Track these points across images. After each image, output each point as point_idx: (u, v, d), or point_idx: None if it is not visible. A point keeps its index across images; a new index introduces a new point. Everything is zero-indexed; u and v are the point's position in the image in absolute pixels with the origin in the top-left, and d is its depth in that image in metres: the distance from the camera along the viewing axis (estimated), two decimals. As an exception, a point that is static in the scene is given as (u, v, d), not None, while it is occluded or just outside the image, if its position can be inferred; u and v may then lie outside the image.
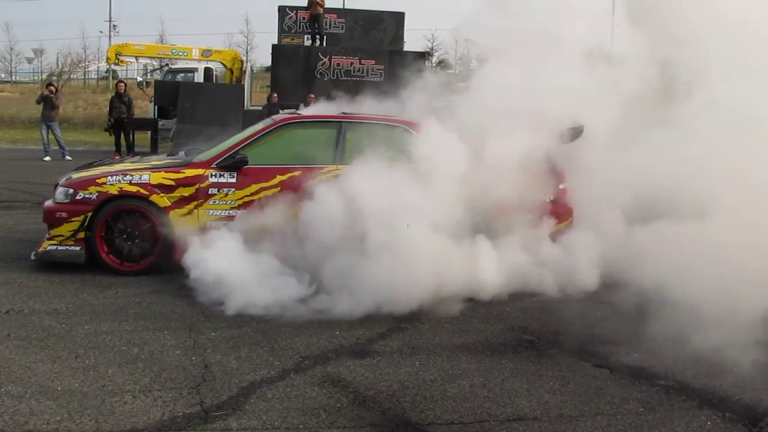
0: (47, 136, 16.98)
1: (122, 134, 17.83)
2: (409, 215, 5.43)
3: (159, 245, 6.22)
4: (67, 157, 16.63)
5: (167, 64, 25.54)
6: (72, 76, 51.43)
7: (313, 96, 15.95)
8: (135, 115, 18.72)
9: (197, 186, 6.28)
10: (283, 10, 21.28)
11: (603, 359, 4.61)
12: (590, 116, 6.42)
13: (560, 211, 6.60)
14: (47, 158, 16.52)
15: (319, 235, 5.61)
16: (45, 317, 5.04)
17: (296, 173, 6.37)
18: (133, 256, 6.24)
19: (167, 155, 7.66)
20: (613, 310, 5.54)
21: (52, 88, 17.51)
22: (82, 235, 6.20)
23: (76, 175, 6.57)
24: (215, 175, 6.32)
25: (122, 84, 18.63)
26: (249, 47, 58.22)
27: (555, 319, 5.37)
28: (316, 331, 4.92)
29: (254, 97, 24.05)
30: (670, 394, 4.11)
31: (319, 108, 9.41)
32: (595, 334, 5.07)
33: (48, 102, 16.90)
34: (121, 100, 17.68)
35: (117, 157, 13.73)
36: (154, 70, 27.41)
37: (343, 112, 7.11)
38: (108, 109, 18.39)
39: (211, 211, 6.27)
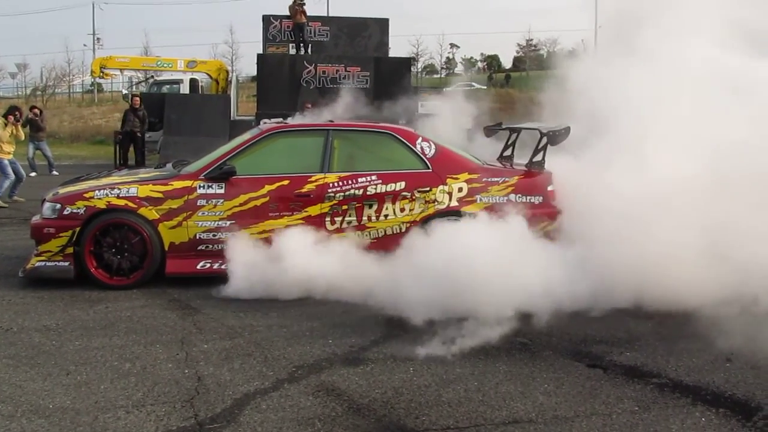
0: (33, 153, 16.87)
1: (131, 147, 17.68)
2: None
3: (148, 259, 6.19)
4: (54, 172, 16.55)
5: (152, 76, 25.53)
6: (56, 90, 51.24)
7: (309, 105, 15.83)
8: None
9: (185, 198, 6.26)
10: (267, 20, 21.29)
11: (596, 359, 4.62)
12: None
13: (549, 213, 6.63)
14: (33, 174, 16.42)
15: None
16: (34, 334, 4.99)
17: (285, 182, 6.36)
18: (122, 270, 6.21)
19: (155, 168, 7.64)
20: (605, 310, 5.55)
21: (36, 110, 17.29)
22: (70, 250, 6.16)
23: (63, 190, 6.53)
24: (203, 187, 6.30)
25: (137, 98, 18.22)
26: (234, 57, 58.28)
27: (547, 320, 5.37)
28: (309, 341, 4.90)
29: (240, 106, 24.03)
30: (664, 391, 4.12)
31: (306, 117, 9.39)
32: (588, 334, 5.08)
33: (34, 124, 16.72)
34: (135, 114, 17.53)
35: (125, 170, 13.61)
36: (140, 82, 27.39)
37: (329, 120, 7.11)
38: (120, 122, 18.24)
39: (200, 223, 6.24)
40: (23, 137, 12.93)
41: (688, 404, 3.96)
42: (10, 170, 12.12)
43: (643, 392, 4.11)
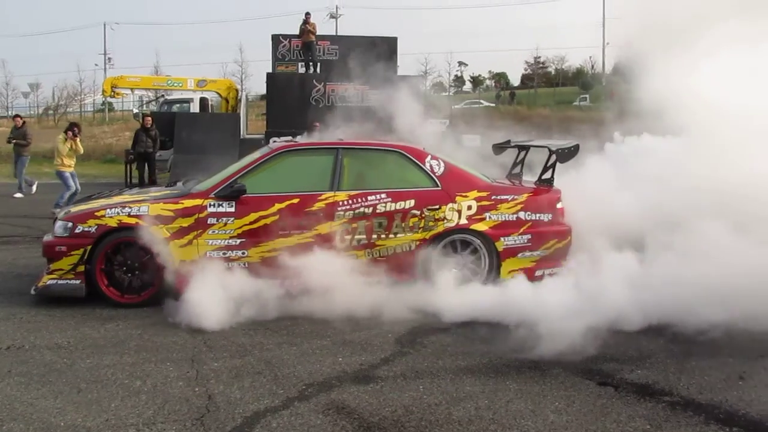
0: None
1: (146, 167, 17.36)
2: None
3: (159, 277, 6.21)
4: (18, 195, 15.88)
5: (163, 95, 25.70)
6: (68, 109, 51.73)
7: (317, 123, 15.84)
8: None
9: (196, 216, 6.28)
10: (276, 39, 21.46)
11: (607, 377, 4.60)
12: None
13: (559, 231, 6.64)
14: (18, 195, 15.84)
15: None
16: (46, 352, 5.01)
17: (294, 201, 6.38)
18: (133, 289, 6.23)
19: (165, 186, 7.68)
20: (615, 328, 5.52)
21: (18, 120, 17.08)
22: (81, 268, 6.19)
23: (75, 209, 6.57)
24: (214, 205, 6.32)
25: (149, 118, 17.83)
26: (243, 76, 58.80)
27: (557, 338, 5.35)
28: (319, 358, 4.90)
29: (250, 125, 24.14)
30: (677, 410, 4.09)
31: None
32: (598, 352, 5.05)
33: (20, 136, 16.29)
34: (147, 134, 17.22)
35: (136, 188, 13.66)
36: (150, 101, 27.57)
37: (339, 139, 7.14)
38: (131, 141, 17.95)
39: (211, 241, 6.25)
40: (82, 151, 13.53)
41: (701, 423, 3.93)
42: (71, 182, 13.04)
43: (655, 410, 4.08)
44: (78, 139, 13.06)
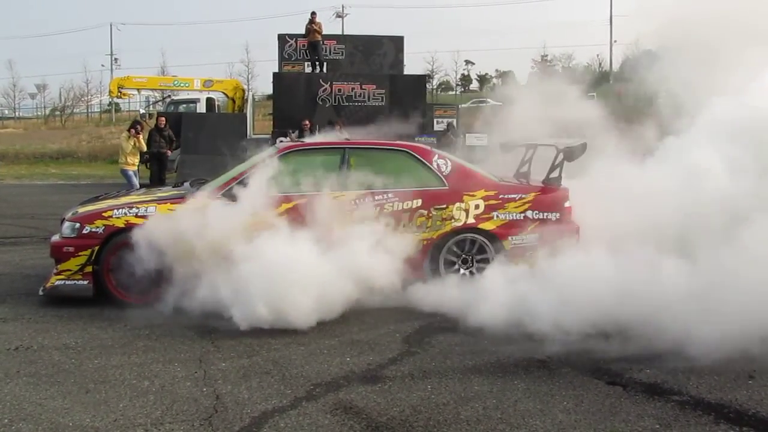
0: None
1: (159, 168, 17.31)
2: None
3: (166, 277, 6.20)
4: None
5: (169, 96, 25.78)
6: (75, 110, 51.91)
7: (307, 123, 15.80)
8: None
9: (203, 216, 6.27)
10: (282, 38, 21.48)
11: (616, 376, 4.58)
12: None
13: (566, 230, 6.61)
14: None
15: None
16: (54, 353, 5.02)
17: (302, 201, 6.37)
18: (141, 289, 6.22)
19: (172, 186, 7.68)
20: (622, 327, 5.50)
21: None
22: (89, 269, 6.20)
23: (82, 209, 6.58)
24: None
25: (162, 118, 17.45)
26: (250, 76, 59.07)
27: (565, 337, 5.33)
28: (326, 358, 4.90)
29: (256, 125, 24.19)
30: (686, 409, 4.07)
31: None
32: (607, 351, 5.03)
33: None
34: (161, 134, 17.03)
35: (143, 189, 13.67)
36: (157, 101, 27.66)
37: (346, 138, 7.14)
38: (146, 142, 17.95)
39: (218, 241, 6.24)
40: (145, 148, 13.91)
41: (710, 422, 3.91)
42: (135, 180, 13.32)
43: (664, 410, 4.06)
44: (141, 137, 13.44)
